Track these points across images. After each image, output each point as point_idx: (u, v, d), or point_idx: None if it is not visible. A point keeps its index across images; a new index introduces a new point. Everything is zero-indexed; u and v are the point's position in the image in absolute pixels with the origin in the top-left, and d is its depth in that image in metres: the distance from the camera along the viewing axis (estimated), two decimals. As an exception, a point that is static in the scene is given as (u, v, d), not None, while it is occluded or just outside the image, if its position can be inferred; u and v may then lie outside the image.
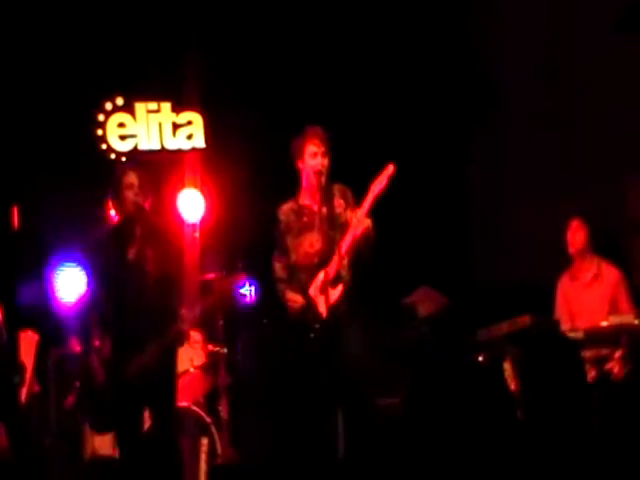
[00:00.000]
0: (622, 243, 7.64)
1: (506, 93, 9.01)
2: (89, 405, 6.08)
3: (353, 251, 6.01)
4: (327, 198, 6.07)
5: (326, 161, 6.05)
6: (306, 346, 6.02)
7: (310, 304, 6.04)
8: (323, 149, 6.05)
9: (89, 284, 6.09)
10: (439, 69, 8.93)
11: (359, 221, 5.94)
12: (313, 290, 6.05)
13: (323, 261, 6.02)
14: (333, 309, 5.97)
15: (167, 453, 5.89)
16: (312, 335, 6.00)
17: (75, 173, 8.21)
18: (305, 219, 6.16)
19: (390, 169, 6.00)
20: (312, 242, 6.11)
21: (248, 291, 7.49)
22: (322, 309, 5.97)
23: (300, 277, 6.13)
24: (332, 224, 6.03)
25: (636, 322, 6.46)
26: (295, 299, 6.10)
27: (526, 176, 8.74)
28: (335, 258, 5.97)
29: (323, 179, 6.03)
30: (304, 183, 6.18)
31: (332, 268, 5.99)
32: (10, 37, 8.38)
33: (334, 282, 6.01)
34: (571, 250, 7.03)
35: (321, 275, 5.98)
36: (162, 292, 5.93)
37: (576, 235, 7.00)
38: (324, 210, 6.08)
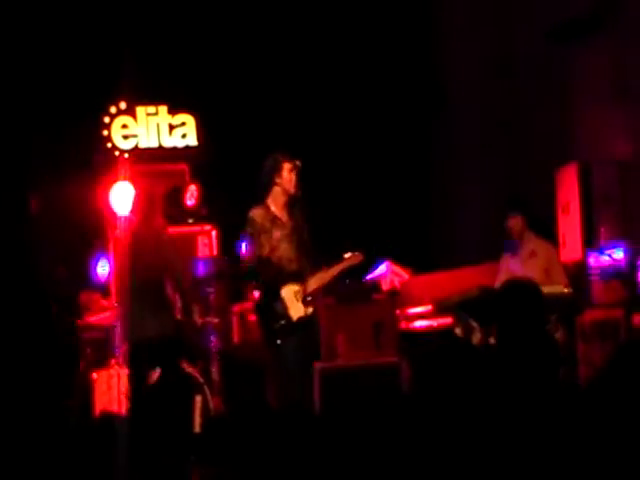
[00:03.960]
0: (553, 224, 8.28)
1: (458, 98, 9.81)
2: None
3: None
4: (292, 211, 6.81)
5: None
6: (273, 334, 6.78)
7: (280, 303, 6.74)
8: (296, 170, 6.75)
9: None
10: (403, 78, 9.78)
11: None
12: (285, 292, 6.71)
13: (295, 269, 6.74)
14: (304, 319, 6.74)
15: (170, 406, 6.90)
16: (282, 323, 6.73)
17: (84, 167, 8.90)
18: (280, 229, 6.76)
19: (359, 258, 6.84)
20: (287, 250, 6.75)
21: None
22: (293, 312, 6.69)
23: (269, 269, 6.77)
24: (300, 235, 6.76)
25: (565, 291, 7.19)
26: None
27: (475, 170, 9.54)
28: (313, 279, 6.73)
29: (293, 198, 6.79)
30: (276, 194, 6.79)
31: (310, 287, 6.74)
32: (38, 57, 9.23)
33: (309, 303, 6.75)
34: (512, 237, 7.68)
35: (301, 287, 6.72)
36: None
37: (514, 227, 7.62)
38: (291, 221, 6.79)
